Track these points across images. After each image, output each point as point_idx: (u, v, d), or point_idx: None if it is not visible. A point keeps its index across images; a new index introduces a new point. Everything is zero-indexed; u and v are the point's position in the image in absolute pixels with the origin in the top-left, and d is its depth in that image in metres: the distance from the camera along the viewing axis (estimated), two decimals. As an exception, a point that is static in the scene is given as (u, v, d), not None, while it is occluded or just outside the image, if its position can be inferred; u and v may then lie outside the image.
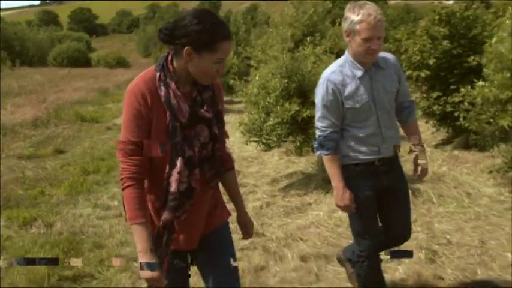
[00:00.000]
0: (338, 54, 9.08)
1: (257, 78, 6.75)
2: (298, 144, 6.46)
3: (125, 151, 2.37)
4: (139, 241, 2.32)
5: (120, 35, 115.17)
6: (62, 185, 7.56)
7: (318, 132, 3.38)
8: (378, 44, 3.18)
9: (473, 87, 6.25)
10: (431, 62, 8.30)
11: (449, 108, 7.91)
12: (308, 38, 7.48)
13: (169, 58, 2.43)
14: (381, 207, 3.55)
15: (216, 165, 2.60)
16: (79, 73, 33.27)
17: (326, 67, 3.52)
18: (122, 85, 25.68)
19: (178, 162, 2.40)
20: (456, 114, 7.47)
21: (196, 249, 2.62)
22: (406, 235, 3.64)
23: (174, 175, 2.39)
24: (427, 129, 8.97)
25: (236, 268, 2.66)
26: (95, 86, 23.60)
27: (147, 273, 2.29)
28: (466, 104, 6.53)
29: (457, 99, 7.44)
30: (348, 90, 3.26)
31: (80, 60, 45.64)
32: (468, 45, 8.14)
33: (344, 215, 4.94)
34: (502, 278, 4.13)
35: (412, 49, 8.71)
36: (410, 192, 5.76)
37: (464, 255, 4.52)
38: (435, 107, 8.34)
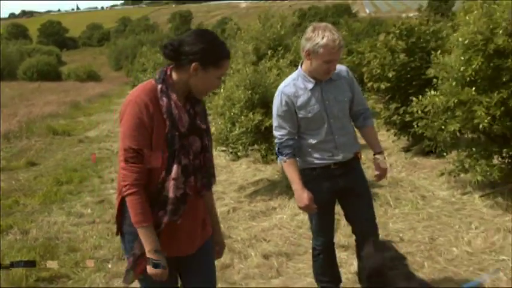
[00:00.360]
0: (302, 67, 9.50)
1: (222, 90, 7.10)
2: (263, 152, 6.80)
3: (126, 159, 2.51)
4: (147, 242, 2.51)
5: (90, 49, 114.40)
6: (36, 195, 7.79)
7: (276, 140, 3.73)
8: (335, 65, 3.55)
9: (421, 96, 6.66)
10: (390, 74, 8.75)
11: (408, 118, 8.34)
12: (269, 52, 7.86)
13: (169, 72, 2.63)
14: (344, 207, 3.92)
15: (207, 175, 2.78)
16: (49, 87, 33.11)
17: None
18: (93, 99, 25.79)
19: (174, 169, 2.56)
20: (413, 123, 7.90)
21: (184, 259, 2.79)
22: (370, 231, 3.88)
23: (171, 181, 2.55)
24: (388, 138, 9.42)
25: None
26: (66, 100, 23.54)
27: (154, 271, 2.52)
28: (419, 112, 6.95)
29: (415, 109, 7.88)
30: (301, 101, 3.60)
31: (50, 74, 45.08)
32: (426, 58, 8.60)
33: (306, 217, 5.32)
34: (446, 269, 4.52)
35: (373, 62, 9.17)
36: (368, 195, 6.19)
37: (414, 251, 4.90)
38: (395, 117, 8.78)
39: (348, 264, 4.66)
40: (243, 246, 5.16)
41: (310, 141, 3.68)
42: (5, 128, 14.03)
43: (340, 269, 4.17)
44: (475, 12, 6.13)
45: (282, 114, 3.65)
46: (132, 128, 2.51)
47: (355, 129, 3.90)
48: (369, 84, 9.57)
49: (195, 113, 2.67)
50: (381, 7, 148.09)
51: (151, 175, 2.56)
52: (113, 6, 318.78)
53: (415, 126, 7.40)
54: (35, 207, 7.25)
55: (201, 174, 2.72)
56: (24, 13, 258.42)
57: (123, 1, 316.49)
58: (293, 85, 3.64)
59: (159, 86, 2.58)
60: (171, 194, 2.56)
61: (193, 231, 2.75)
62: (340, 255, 4.64)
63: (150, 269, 2.52)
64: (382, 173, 3.83)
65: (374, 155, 3.82)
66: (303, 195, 3.56)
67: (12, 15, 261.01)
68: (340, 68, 3.75)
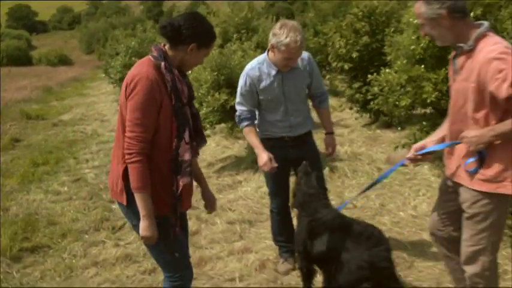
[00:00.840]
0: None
1: (190, 72, 7.49)
2: (229, 130, 7.23)
3: (133, 129, 2.76)
4: (144, 207, 2.78)
5: (61, 32, 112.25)
6: (14, 176, 8.13)
7: (236, 113, 4.27)
8: (294, 61, 4.00)
9: (379, 74, 7.12)
10: (354, 55, 9.22)
11: (369, 96, 8.82)
12: (234, 35, 8.26)
13: (164, 50, 2.93)
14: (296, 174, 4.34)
15: (201, 138, 3.16)
16: (21, 72, 32.73)
17: (251, 61, 4.31)
18: (66, 83, 25.69)
19: (186, 134, 2.88)
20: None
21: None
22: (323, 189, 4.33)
23: (185, 146, 2.87)
24: (351, 116, 9.92)
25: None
26: (38, 85, 23.43)
27: (148, 233, 2.80)
28: (376, 89, 7.41)
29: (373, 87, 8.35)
30: (263, 84, 4.09)
31: (20, 59, 44.27)
32: (386, 38, 9.07)
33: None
34: (391, 230, 5.03)
35: (339, 43, 9.61)
36: (328, 168, 6.69)
37: (363, 216, 5.40)
38: (357, 95, 9.24)
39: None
40: (210, 216, 5.57)
41: (268, 118, 4.19)
42: (-22, 113, 14.21)
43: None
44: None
45: (245, 94, 4.15)
46: (144, 102, 2.76)
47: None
48: (334, 64, 10.04)
49: (186, 86, 3.00)
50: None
51: (164, 145, 2.85)
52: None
53: (372, 103, 7.87)
54: (13, 187, 7.60)
55: (198, 137, 3.11)
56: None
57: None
58: (258, 69, 4.10)
59: (163, 63, 2.84)
60: (187, 157, 2.88)
61: (192, 188, 3.09)
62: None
63: (145, 232, 2.80)
64: (332, 150, 4.43)
65: (325, 134, 4.42)
66: (263, 155, 4.04)
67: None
68: (303, 56, 4.15)
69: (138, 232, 2.86)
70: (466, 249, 3.06)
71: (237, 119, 4.30)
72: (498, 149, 2.83)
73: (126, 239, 5.38)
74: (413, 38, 6.49)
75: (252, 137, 4.18)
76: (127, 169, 2.82)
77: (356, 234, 3.35)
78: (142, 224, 2.79)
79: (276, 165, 4.04)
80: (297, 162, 4.14)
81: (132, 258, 4.91)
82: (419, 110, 7.27)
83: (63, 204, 6.62)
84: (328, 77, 12.69)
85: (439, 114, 6.91)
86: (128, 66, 13.13)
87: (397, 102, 6.83)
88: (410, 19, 6.54)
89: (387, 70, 6.93)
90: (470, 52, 2.83)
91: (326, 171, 6.79)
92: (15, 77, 29.18)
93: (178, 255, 3.04)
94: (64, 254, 5.14)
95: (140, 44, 15.74)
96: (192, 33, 2.87)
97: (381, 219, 5.31)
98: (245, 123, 4.18)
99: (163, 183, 2.89)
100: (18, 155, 9.97)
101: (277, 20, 21.86)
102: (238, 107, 4.23)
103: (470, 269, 3.07)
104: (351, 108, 9.76)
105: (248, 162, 7.51)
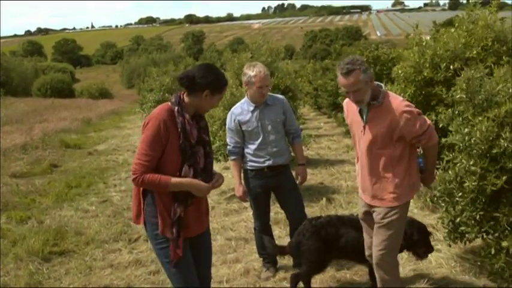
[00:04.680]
0: (283, 91, 10.85)
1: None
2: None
3: (140, 157, 3.30)
4: (183, 184, 3.35)
5: (104, 66, 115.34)
6: (49, 195, 9.19)
7: (227, 147, 5.27)
8: (266, 90, 5.00)
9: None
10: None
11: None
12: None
13: (182, 97, 3.46)
14: (279, 201, 5.38)
15: (208, 174, 3.54)
16: (63, 103, 34.01)
17: None
18: (104, 115, 26.89)
19: (185, 169, 3.37)
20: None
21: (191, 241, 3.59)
22: (300, 218, 5.10)
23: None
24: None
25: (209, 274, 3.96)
26: (78, 116, 24.48)
27: (201, 192, 3.45)
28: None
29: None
30: (244, 119, 5.07)
31: (63, 91, 44.76)
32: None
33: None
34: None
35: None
36: (325, 199, 7.49)
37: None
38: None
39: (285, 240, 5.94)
40: (213, 233, 6.38)
41: (250, 148, 5.12)
42: (21, 140, 15.41)
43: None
44: (414, 48, 7.44)
45: (232, 128, 5.15)
46: (150, 136, 3.31)
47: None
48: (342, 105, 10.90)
49: (199, 128, 3.51)
50: (392, 30, 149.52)
51: (169, 175, 3.34)
52: (127, 25, 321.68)
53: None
54: (48, 204, 8.66)
55: (205, 174, 3.50)
56: (39, 30, 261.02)
57: (137, 20, 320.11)
58: (240, 107, 5.14)
59: (176, 108, 3.40)
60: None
61: (199, 216, 3.58)
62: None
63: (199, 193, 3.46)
64: (302, 179, 5.28)
65: (298, 165, 5.26)
66: (239, 188, 5.11)
67: (28, 33, 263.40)
68: (278, 97, 5.30)
69: (153, 248, 3.61)
70: (376, 253, 3.97)
71: (227, 153, 5.30)
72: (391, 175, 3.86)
73: (139, 248, 6.33)
74: (402, 86, 7.35)
75: (235, 170, 5.20)
76: (143, 192, 3.44)
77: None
78: (195, 190, 3.42)
79: (247, 199, 5.21)
80: (277, 190, 5.24)
81: (142, 262, 5.85)
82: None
83: (89, 220, 7.65)
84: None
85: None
86: (160, 102, 14.09)
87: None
88: (400, 71, 7.41)
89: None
90: (379, 106, 3.75)
91: (323, 201, 7.64)
92: (58, 108, 30.28)
93: (180, 274, 3.53)
94: (86, 258, 6.13)
95: (173, 81, 16.86)
96: (205, 82, 3.40)
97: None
98: (232, 157, 5.18)
99: (166, 208, 3.40)
100: (54, 178, 11.04)
101: (315, 62, 22.63)
102: (228, 141, 5.22)
103: (379, 271, 4.00)
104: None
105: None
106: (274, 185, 5.16)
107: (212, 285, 5.07)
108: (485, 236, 4.57)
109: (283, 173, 5.20)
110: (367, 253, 4.28)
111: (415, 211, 7.21)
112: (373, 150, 3.85)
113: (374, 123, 3.78)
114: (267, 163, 5.08)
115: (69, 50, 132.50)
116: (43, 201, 8.89)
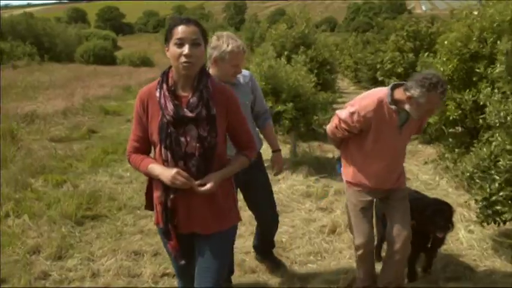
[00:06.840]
0: (321, 63, 10.74)
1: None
2: (274, 129, 8.10)
3: (131, 137, 3.05)
4: (156, 171, 2.87)
5: (146, 35, 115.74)
6: (86, 161, 9.30)
7: None
8: (240, 68, 4.04)
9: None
10: (399, 70, 9.95)
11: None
12: (285, 52, 9.17)
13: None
14: (249, 199, 4.58)
15: (201, 163, 2.88)
16: (104, 70, 34.24)
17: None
18: (144, 83, 26.81)
19: (163, 152, 2.87)
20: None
21: (197, 242, 3.09)
22: (273, 222, 4.69)
23: (163, 163, 2.89)
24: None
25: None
26: (118, 84, 24.67)
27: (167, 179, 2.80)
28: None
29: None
30: None
31: (105, 58, 44.97)
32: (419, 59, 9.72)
33: (299, 187, 6.70)
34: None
35: (384, 58, 10.37)
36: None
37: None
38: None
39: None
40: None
41: None
42: (63, 105, 15.62)
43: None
44: (463, 21, 7.20)
45: None
46: (135, 115, 3.02)
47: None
48: (380, 79, 10.78)
49: (197, 103, 2.84)
50: (438, 5, 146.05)
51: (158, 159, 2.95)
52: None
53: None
54: (84, 169, 8.76)
55: (195, 161, 2.87)
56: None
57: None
58: None
59: (158, 79, 2.94)
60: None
61: (191, 212, 2.99)
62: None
63: (171, 179, 2.80)
64: (279, 169, 4.61)
65: (272, 152, 4.54)
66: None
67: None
68: (245, 73, 4.24)
69: None
70: (408, 232, 4.00)
71: None
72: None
73: (170, 216, 6.32)
74: (444, 59, 7.15)
75: None
76: (149, 181, 3.13)
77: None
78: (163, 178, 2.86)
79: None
80: (247, 186, 4.34)
81: (171, 230, 5.84)
82: (450, 128, 7.81)
83: (123, 186, 7.72)
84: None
85: (467, 132, 7.50)
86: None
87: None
88: (445, 42, 7.20)
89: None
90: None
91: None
92: (99, 74, 30.58)
93: (175, 266, 3.31)
94: (117, 223, 6.20)
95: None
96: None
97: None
98: None
99: (157, 196, 3.03)
100: (92, 144, 11.17)
101: (357, 35, 22.51)
102: None
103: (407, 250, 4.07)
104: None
105: (289, 163, 8.36)
106: (244, 181, 4.13)
107: (239, 256, 5.12)
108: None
109: (256, 166, 4.12)
110: (363, 240, 4.08)
111: (450, 190, 7.09)
112: (405, 147, 4.15)
113: (409, 124, 3.96)
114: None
115: (112, 17, 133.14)
116: (79, 166, 9.00)
